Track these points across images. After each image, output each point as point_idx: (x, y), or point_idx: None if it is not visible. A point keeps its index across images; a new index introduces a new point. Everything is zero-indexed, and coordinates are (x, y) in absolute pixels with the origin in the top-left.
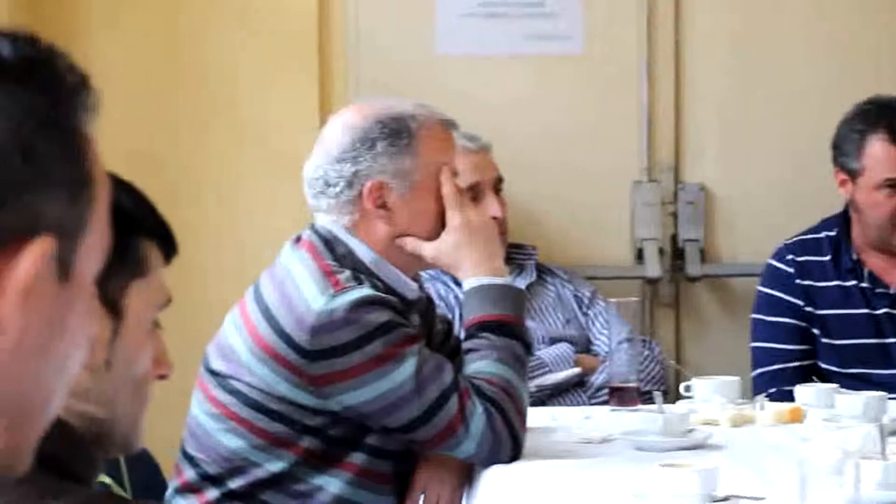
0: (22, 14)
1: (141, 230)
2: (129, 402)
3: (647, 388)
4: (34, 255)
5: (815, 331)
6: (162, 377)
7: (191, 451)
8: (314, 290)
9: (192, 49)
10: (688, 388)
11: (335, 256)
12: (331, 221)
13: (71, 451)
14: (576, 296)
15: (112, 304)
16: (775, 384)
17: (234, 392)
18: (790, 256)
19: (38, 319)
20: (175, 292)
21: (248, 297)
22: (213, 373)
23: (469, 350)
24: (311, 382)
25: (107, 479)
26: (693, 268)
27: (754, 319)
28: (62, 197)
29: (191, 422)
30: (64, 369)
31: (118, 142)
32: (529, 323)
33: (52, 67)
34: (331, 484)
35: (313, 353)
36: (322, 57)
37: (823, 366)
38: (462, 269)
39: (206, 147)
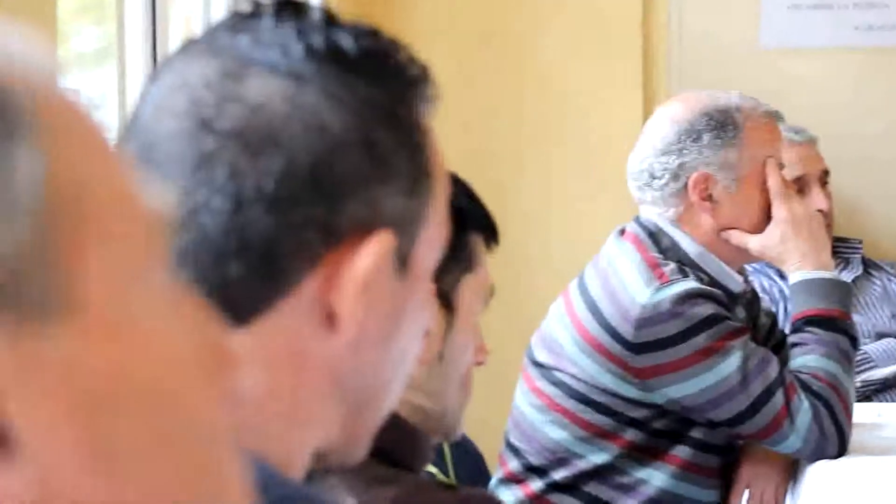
0: (352, 13)
1: (471, 225)
2: (456, 393)
3: None
4: (375, 250)
5: None
6: (478, 363)
7: (515, 441)
8: (639, 283)
9: (523, 48)
10: None
11: (660, 249)
12: (656, 214)
13: (402, 442)
14: None
15: (446, 298)
16: None
17: (558, 383)
18: None
19: (376, 314)
20: (501, 285)
21: (572, 288)
22: (538, 364)
23: (795, 344)
24: (636, 375)
25: (433, 470)
26: None
27: None
28: (401, 190)
29: (515, 413)
30: (401, 363)
31: (450, 138)
32: (855, 317)
33: (393, 60)
34: (655, 477)
35: (638, 346)
36: (646, 51)
37: None
38: (788, 263)
39: (533, 142)
